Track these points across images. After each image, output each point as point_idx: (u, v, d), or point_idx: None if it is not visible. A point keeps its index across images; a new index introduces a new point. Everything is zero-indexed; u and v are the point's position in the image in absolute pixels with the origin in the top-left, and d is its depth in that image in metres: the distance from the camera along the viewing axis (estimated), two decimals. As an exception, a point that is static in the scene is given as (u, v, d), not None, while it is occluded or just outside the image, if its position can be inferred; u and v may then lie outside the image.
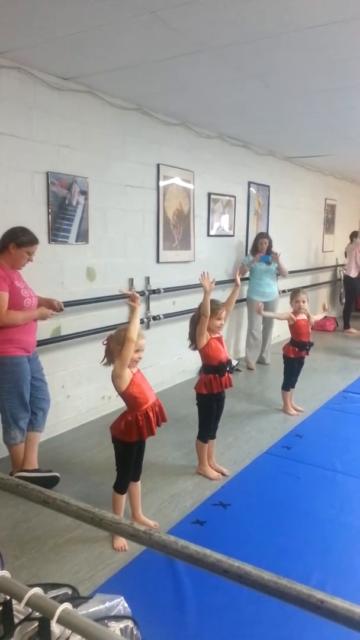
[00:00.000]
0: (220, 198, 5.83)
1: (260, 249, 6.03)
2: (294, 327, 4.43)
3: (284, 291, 6.95)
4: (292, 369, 4.52)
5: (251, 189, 6.43)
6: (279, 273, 6.24)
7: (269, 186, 6.83)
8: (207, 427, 3.38)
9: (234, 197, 6.08)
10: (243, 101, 4.26)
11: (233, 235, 6.20)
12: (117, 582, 2.24)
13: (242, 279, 6.19)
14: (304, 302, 4.39)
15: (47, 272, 3.73)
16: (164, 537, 0.99)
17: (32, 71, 3.46)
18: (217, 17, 2.63)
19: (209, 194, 5.61)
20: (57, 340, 3.85)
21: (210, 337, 3.27)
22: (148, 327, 4.89)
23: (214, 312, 3.23)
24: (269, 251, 6.06)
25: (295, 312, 4.42)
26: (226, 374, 3.31)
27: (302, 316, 4.43)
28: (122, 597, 1.36)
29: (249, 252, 6.26)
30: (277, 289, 6.34)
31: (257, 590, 0.91)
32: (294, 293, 4.49)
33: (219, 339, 3.33)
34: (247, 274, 6.20)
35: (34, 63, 3.38)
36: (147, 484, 3.21)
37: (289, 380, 4.55)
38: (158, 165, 4.77)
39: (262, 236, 6.12)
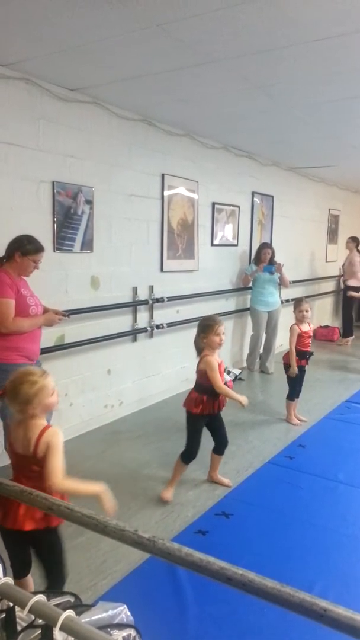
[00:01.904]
0: (224, 208, 5.86)
1: (263, 258, 6.06)
2: (297, 336, 4.43)
3: (287, 300, 6.96)
4: (295, 378, 4.51)
5: (255, 199, 6.47)
6: (281, 283, 6.27)
7: (273, 196, 6.87)
8: (192, 448, 3.23)
9: (238, 207, 6.12)
10: (248, 112, 4.31)
11: (237, 245, 6.23)
12: (119, 591, 2.24)
13: (245, 289, 6.29)
14: (307, 311, 4.39)
15: (52, 280, 3.76)
16: (168, 544, 0.99)
17: (39, 82, 3.50)
18: (223, 30, 2.66)
19: (213, 204, 5.65)
20: (60, 348, 3.86)
21: (206, 356, 3.14)
22: (151, 335, 4.90)
23: (210, 328, 3.13)
24: (271, 261, 6.09)
25: (299, 322, 4.41)
26: (219, 397, 3.18)
27: (306, 326, 4.43)
28: (125, 606, 1.36)
29: (252, 262, 6.29)
30: (279, 299, 6.36)
31: (261, 598, 0.91)
32: (297, 302, 4.48)
33: (219, 364, 3.17)
34: (250, 284, 6.23)
35: (41, 74, 3.43)
36: (149, 493, 3.21)
37: (294, 389, 4.54)
38: (163, 175, 4.81)
39: (265, 246, 6.15)
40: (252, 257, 6.35)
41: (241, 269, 6.30)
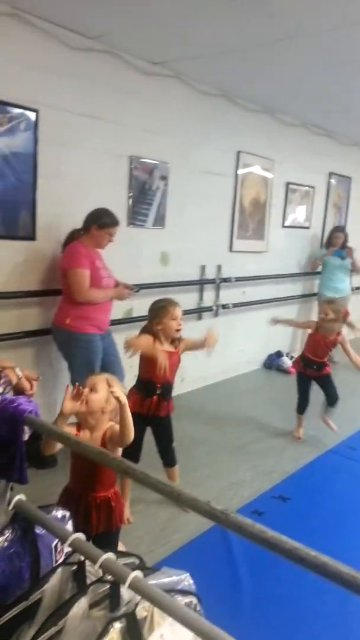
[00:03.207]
0: (299, 188, 5.69)
1: (334, 243, 5.84)
2: (308, 338, 3.88)
3: (357, 288, 6.70)
4: (299, 385, 3.93)
5: (331, 180, 6.22)
6: (353, 269, 6.02)
7: (351, 178, 6.58)
8: (131, 454, 2.37)
9: (313, 187, 5.91)
10: (332, 89, 4.12)
11: (309, 228, 6.05)
12: (176, 559, 2.30)
13: (313, 273, 6.10)
14: (326, 314, 3.67)
15: (123, 254, 3.82)
16: (241, 519, 1.00)
17: (124, 55, 3.51)
18: (315, 1, 2.55)
19: (287, 184, 5.49)
20: (128, 321, 3.94)
21: (154, 345, 2.63)
22: (217, 314, 4.89)
23: (164, 311, 2.62)
24: (343, 246, 5.86)
25: (318, 325, 3.77)
26: (155, 398, 2.68)
27: (326, 331, 3.70)
28: (188, 574, 1.40)
29: (323, 246, 6.09)
30: (349, 285, 6.12)
31: (334, 581, 0.91)
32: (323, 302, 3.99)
33: (168, 354, 2.65)
34: (319, 268, 6.03)
35: (126, 47, 3.44)
36: (204, 469, 3.25)
37: (299, 399, 3.94)
38: (238, 153, 4.72)
39: (338, 230, 5.92)
40: (324, 240, 6.15)
41: (312, 252, 6.12)
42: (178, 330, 2.66)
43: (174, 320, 2.63)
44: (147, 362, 2.67)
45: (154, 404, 2.69)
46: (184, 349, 2.76)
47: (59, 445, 1.84)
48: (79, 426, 1.94)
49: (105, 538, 1.89)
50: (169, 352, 2.67)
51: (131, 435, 1.83)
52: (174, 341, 2.71)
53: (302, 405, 3.92)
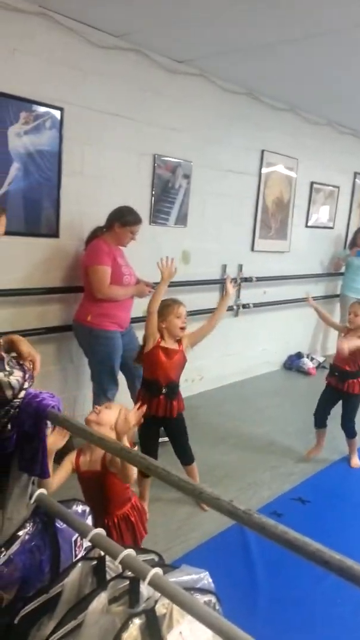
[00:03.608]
0: (323, 188, 5.62)
1: (359, 243, 5.77)
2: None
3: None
4: (322, 393, 3.56)
5: (357, 180, 6.13)
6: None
7: (376, 178, 6.48)
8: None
9: (338, 187, 5.84)
10: (358, 87, 4.06)
11: (332, 228, 5.97)
12: (193, 558, 2.29)
13: (336, 274, 6.03)
14: (356, 315, 3.31)
15: (145, 252, 3.82)
16: (264, 519, 0.98)
17: (149, 53, 3.51)
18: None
19: (312, 183, 5.43)
20: (149, 319, 3.95)
21: (159, 343, 2.66)
22: (237, 314, 4.87)
23: (169, 309, 2.65)
24: (367, 246, 5.78)
25: (349, 328, 3.42)
26: (161, 397, 2.66)
27: (354, 336, 3.32)
28: (207, 572, 1.39)
29: (346, 247, 6.02)
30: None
31: (358, 585, 0.89)
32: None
33: (169, 352, 2.67)
34: (342, 269, 5.96)
35: (151, 45, 3.44)
36: (223, 469, 3.24)
37: (317, 407, 3.55)
38: (262, 152, 4.69)
39: (363, 230, 5.85)
40: (348, 241, 6.07)
41: (334, 253, 6.05)
42: (182, 328, 2.70)
43: (178, 319, 2.67)
44: (149, 362, 2.69)
45: (162, 404, 2.67)
46: (189, 344, 2.75)
47: (56, 484, 1.76)
48: (79, 453, 1.90)
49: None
50: (171, 350, 2.68)
51: (131, 473, 1.73)
52: (179, 340, 2.73)
53: (315, 415, 3.52)
